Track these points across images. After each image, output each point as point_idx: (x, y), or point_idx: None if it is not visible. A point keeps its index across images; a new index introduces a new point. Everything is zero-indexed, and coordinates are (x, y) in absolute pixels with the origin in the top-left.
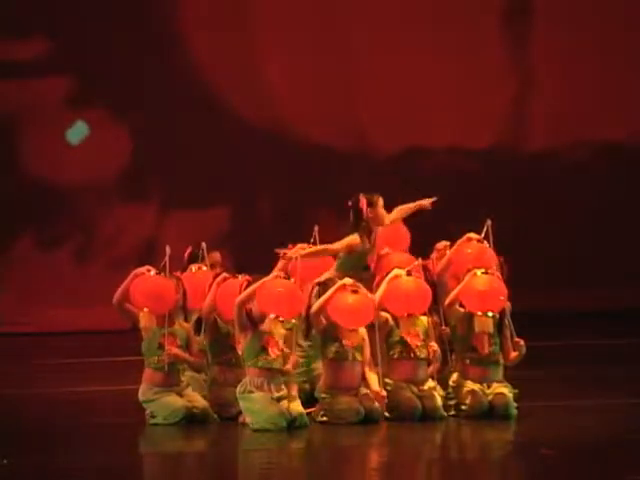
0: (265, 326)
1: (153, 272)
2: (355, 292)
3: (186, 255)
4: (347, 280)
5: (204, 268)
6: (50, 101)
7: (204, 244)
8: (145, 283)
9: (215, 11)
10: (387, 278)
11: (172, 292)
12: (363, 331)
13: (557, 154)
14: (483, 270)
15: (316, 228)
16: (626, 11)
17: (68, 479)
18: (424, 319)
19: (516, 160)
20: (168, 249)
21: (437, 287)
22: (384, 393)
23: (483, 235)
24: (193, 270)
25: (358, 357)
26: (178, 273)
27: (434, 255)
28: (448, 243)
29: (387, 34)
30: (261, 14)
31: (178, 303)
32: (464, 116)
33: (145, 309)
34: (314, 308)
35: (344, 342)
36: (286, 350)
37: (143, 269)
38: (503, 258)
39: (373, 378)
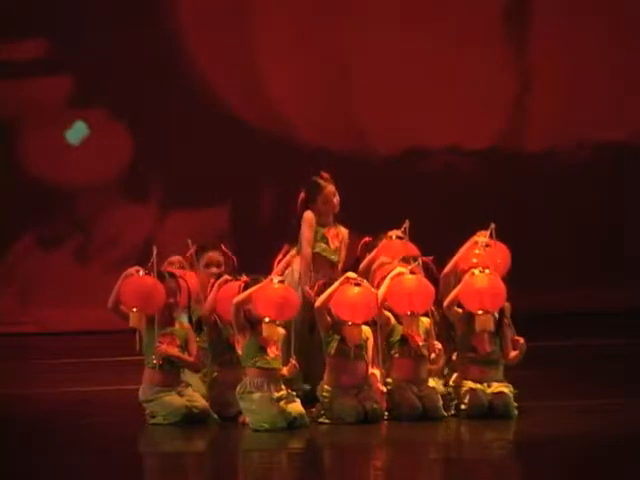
0: (263, 331)
1: (142, 272)
2: (358, 285)
3: (190, 254)
4: (350, 274)
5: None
6: (50, 101)
7: (189, 240)
8: (133, 283)
9: (215, 11)
10: (390, 275)
11: (160, 292)
12: (367, 329)
13: (557, 154)
14: (480, 269)
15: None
16: (626, 10)
17: (68, 479)
18: (425, 320)
19: (516, 160)
20: (155, 249)
21: (441, 287)
22: (384, 389)
23: (487, 238)
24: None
25: (361, 356)
26: (182, 273)
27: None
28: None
29: (387, 34)
30: (261, 14)
31: (180, 303)
32: (464, 116)
33: (134, 309)
34: (318, 302)
35: (347, 340)
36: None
37: (132, 270)
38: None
39: (375, 375)
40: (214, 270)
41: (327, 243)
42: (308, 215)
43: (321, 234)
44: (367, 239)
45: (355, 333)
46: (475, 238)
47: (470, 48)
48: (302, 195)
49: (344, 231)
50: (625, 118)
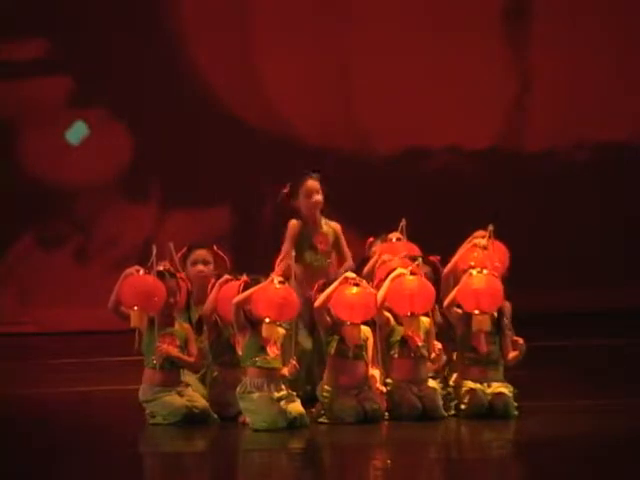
0: (263, 332)
1: (142, 272)
2: (356, 285)
3: (179, 255)
4: (349, 274)
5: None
6: (50, 101)
7: (171, 244)
8: (134, 282)
9: (215, 11)
10: (390, 276)
11: (161, 290)
12: (366, 330)
13: (557, 154)
14: (478, 269)
15: None
16: (626, 11)
17: (68, 479)
18: (425, 319)
19: (516, 160)
20: (154, 248)
21: (442, 287)
22: (383, 389)
23: (486, 240)
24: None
25: (360, 356)
26: (182, 274)
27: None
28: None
29: (387, 34)
30: (261, 14)
31: (181, 304)
32: (464, 116)
33: (135, 308)
34: (317, 302)
35: (346, 340)
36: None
37: (132, 269)
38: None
39: (375, 376)
40: (201, 267)
41: (315, 250)
42: (291, 225)
43: (309, 243)
44: (373, 239)
45: (354, 333)
46: (474, 241)
47: (470, 48)
48: (286, 189)
49: (334, 226)
50: (625, 118)
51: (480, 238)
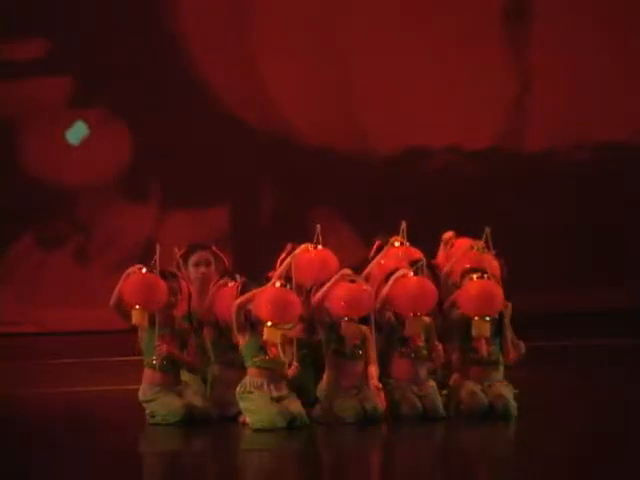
0: (265, 335)
1: (144, 270)
2: (352, 281)
3: (180, 255)
4: (346, 270)
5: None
6: (50, 101)
7: (176, 249)
8: (136, 280)
9: (215, 11)
10: (393, 277)
11: (163, 289)
12: (366, 329)
13: (557, 154)
14: (479, 274)
15: (318, 227)
16: (626, 11)
17: (68, 479)
18: (426, 319)
19: (516, 160)
20: (158, 247)
21: (442, 289)
22: (380, 385)
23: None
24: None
25: (359, 355)
26: (184, 274)
27: (441, 247)
28: (453, 233)
29: (387, 34)
30: (261, 14)
31: (183, 306)
32: (464, 116)
33: (137, 306)
34: (315, 300)
35: (345, 339)
36: (285, 355)
37: (134, 268)
38: (502, 260)
39: (373, 373)
40: (203, 269)
41: None
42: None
43: None
44: (379, 242)
45: (351, 330)
46: (472, 243)
47: (470, 48)
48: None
49: None
50: (625, 118)
51: (479, 243)
